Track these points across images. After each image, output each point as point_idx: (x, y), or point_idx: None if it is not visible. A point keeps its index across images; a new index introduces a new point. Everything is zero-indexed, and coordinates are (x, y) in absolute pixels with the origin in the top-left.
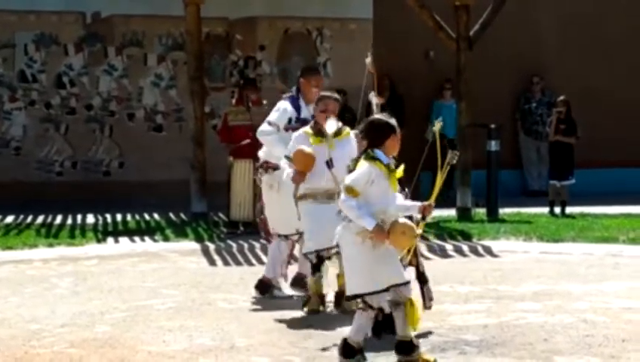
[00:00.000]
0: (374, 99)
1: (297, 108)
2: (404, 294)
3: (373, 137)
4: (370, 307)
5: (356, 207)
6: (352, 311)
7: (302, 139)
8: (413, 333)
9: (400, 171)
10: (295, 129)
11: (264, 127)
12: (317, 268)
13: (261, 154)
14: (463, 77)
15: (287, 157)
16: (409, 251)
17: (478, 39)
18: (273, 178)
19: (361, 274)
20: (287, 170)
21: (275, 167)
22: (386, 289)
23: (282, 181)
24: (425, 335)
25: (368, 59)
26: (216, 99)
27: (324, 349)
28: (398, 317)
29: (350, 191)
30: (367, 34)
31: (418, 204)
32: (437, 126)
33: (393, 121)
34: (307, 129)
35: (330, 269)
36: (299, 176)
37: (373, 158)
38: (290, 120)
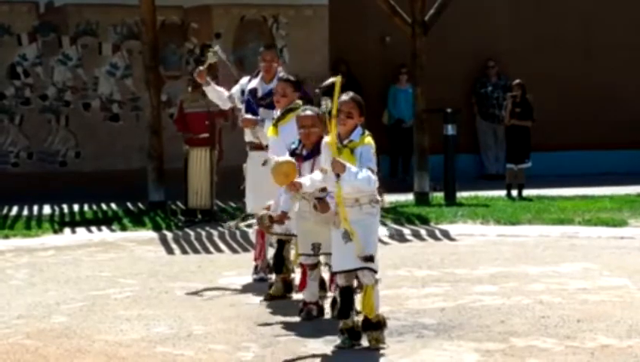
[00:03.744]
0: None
1: (251, 82)
2: (362, 279)
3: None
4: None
5: (321, 181)
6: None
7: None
8: None
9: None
10: (244, 101)
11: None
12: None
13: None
14: (418, 62)
15: None
16: None
17: (434, 24)
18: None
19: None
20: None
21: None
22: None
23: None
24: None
25: (216, 48)
26: (173, 88)
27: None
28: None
29: (321, 170)
30: (323, 20)
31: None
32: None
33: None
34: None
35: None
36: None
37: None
38: (242, 92)
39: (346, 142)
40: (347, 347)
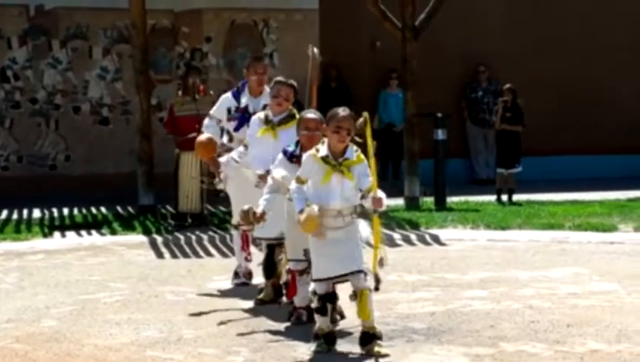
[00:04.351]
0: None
1: (238, 99)
2: (355, 284)
3: None
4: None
5: (295, 190)
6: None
7: (254, 124)
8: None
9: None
10: (236, 119)
11: (206, 121)
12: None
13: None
14: (408, 66)
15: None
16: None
17: (424, 29)
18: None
19: (312, 260)
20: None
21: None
22: (333, 279)
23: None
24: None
25: (314, 50)
26: (163, 92)
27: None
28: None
29: (297, 179)
30: (314, 24)
31: (369, 198)
32: (364, 115)
33: (330, 111)
34: (260, 115)
35: None
36: (212, 162)
37: (316, 149)
38: (229, 110)
39: (341, 160)
40: (324, 351)
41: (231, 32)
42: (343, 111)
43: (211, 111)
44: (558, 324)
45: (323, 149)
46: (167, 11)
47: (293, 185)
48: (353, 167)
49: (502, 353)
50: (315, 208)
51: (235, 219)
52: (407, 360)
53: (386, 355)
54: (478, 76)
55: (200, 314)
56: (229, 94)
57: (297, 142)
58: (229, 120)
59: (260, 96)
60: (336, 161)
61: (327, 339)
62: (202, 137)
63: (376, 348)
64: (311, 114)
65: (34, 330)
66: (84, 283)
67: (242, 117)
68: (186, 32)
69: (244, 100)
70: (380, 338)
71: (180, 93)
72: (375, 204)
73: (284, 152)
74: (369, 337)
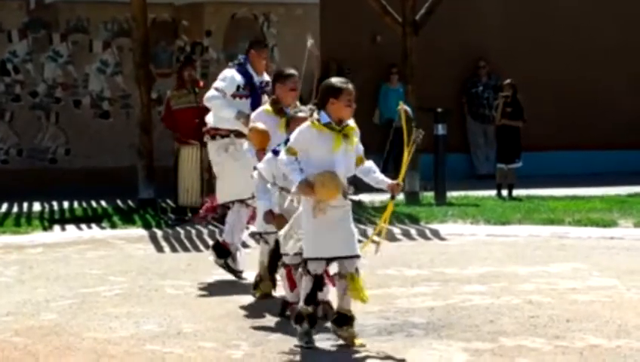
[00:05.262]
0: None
1: (246, 75)
2: (345, 267)
3: (319, 99)
4: (309, 272)
5: (288, 162)
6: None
7: (262, 117)
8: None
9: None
10: (243, 96)
11: (211, 92)
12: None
13: (209, 120)
14: (409, 61)
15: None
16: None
17: (425, 24)
18: (223, 144)
19: (305, 238)
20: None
21: (225, 135)
22: (328, 259)
23: (236, 146)
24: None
25: (310, 42)
26: (163, 85)
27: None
28: (340, 289)
29: (288, 150)
30: (314, 19)
31: (388, 180)
32: (401, 106)
33: (339, 84)
34: (267, 107)
35: None
36: (260, 154)
37: (316, 119)
38: (238, 87)
39: (343, 125)
40: (308, 345)
41: (231, 26)
42: (345, 83)
43: (218, 85)
44: (557, 319)
45: (323, 117)
46: (167, 5)
47: (284, 157)
48: (354, 133)
49: (501, 348)
50: (328, 173)
51: (223, 198)
52: (406, 355)
53: (362, 345)
54: (479, 71)
55: (200, 308)
56: (235, 72)
57: (287, 141)
58: (234, 96)
59: (260, 75)
60: (339, 127)
61: (311, 320)
62: (262, 126)
63: (350, 337)
64: (303, 113)
65: (33, 324)
66: (83, 277)
67: (255, 94)
68: (186, 25)
69: (251, 74)
70: (353, 321)
71: (176, 85)
72: (395, 190)
73: (275, 152)
74: (345, 319)
